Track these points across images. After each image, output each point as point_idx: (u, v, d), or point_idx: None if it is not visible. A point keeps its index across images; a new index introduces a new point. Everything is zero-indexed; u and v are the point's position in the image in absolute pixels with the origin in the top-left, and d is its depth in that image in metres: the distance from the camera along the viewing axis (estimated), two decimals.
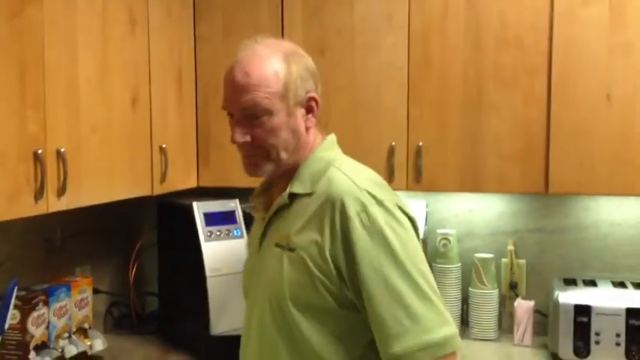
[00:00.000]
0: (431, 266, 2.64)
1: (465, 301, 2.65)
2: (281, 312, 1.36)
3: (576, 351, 2.30)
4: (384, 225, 1.30)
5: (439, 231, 2.65)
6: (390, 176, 2.44)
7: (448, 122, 2.41)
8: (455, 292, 2.62)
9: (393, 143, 2.44)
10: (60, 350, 2.20)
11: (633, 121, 2.23)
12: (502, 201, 2.69)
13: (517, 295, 2.61)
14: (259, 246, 1.47)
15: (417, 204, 2.69)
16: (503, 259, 2.65)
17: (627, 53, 2.22)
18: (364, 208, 1.31)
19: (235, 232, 2.46)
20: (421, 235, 2.59)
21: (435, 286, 1.33)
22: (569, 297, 2.34)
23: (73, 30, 1.94)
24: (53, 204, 1.84)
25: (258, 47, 1.38)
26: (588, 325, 2.29)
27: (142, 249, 2.85)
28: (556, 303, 2.35)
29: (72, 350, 2.24)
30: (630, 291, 2.37)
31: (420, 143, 2.42)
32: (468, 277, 2.64)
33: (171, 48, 2.48)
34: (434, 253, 2.65)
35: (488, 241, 2.70)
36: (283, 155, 1.39)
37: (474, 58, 2.37)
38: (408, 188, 2.46)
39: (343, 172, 1.38)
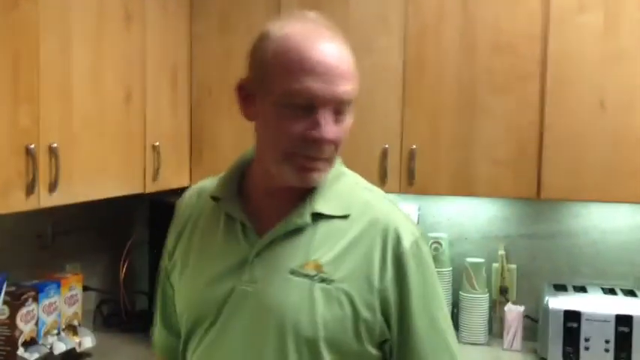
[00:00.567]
0: None
1: (456, 305, 2.65)
2: (311, 357, 1.11)
3: (565, 356, 2.31)
4: (431, 262, 1.22)
5: (431, 235, 2.65)
6: (382, 179, 2.45)
7: (441, 126, 2.41)
8: (445, 296, 2.62)
9: (387, 146, 2.45)
10: (49, 347, 2.19)
11: (626, 128, 2.24)
12: (494, 206, 2.69)
13: (507, 300, 2.61)
14: (244, 266, 1.15)
15: (409, 207, 2.69)
16: (494, 264, 2.66)
17: (621, 61, 2.23)
18: (416, 241, 1.18)
19: None
20: None
21: None
22: (560, 302, 2.35)
23: (68, 25, 1.93)
24: (45, 199, 1.83)
25: (327, 26, 1.16)
26: (578, 330, 2.30)
27: (133, 247, 2.84)
28: (546, 308, 2.35)
29: (61, 347, 2.23)
30: (620, 298, 2.38)
31: (414, 146, 2.42)
32: (459, 281, 2.64)
33: (166, 45, 2.47)
34: None
35: (479, 246, 2.71)
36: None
37: (468, 62, 2.37)
38: (400, 191, 2.46)
39: (383, 197, 1.23)
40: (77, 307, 2.41)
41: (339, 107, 1.11)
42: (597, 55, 2.26)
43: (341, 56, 1.11)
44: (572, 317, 2.31)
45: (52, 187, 1.85)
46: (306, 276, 1.12)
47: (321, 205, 1.16)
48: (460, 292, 2.63)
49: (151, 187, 2.38)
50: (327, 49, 1.10)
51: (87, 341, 2.33)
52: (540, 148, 2.32)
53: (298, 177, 1.12)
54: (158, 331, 1.39)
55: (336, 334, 1.11)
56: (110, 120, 2.14)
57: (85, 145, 2.01)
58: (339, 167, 1.21)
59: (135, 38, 2.27)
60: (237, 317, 1.15)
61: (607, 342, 2.28)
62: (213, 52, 2.61)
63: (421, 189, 2.45)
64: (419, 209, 2.68)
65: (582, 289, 2.47)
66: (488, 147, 2.37)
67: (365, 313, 1.11)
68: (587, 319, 2.30)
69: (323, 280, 1.12)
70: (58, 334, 2.27)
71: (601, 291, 2.45)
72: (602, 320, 2.29)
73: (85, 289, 2.52)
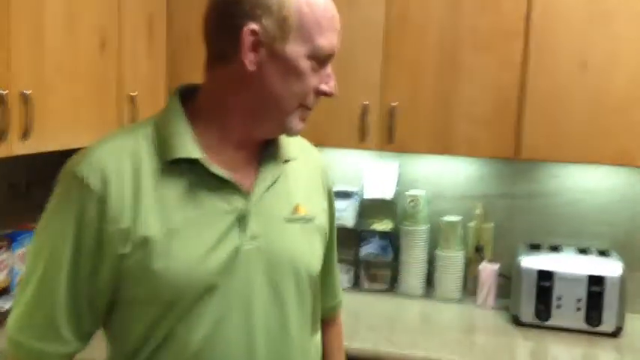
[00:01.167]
0: (399, 227, 2.67)
1: (431, 262, 2.67)
2: (309, 292, 1.25)
3: (537, 314, 2.34)
4: None
5: (408, 192, 2.66)
6: (362, 136, 2.43)
7: (422, 84, 2.39)
8: (421, 254, 2.64)
9: (367, 102, 2.43)
10: None
11: (607, 90, 2.23)
12: (473, 165, 2.69)
13: (483, 259, 2.63)
14: (242, 224, 1.15)
15: (389, 165, 2.69)
16: (471, 223, 2.67)
17: (605, 22, 2.22)
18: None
19: None
20: (392, 196, 2.62)
21: None
22: (533, 262, 2.37)
23: None
24: (17, 147, 1.79)
25: None
26: (550, 289, 2.33)
27: None
28: (519, 267, 2.38)
29: None
30: (593, 258, 2.41)
31: (394, 104, 2.40)
32: (435, 238, 2.66)
33: None
34: (403, 214, 2.66)
35: (457, 204, 2.72)
36: None
37: (451, 19, 2.34)
38: (380, 148, 2.45)
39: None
40: None
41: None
42: (581, 15, 2.23)
43: (336, 11, 1.17)
44: (545, 276, 2.34)
45: (24, 134, 1.81)
46: (298, 220, 1.22)
47: (285, 151, 1.24)
48: (436, 250, 2.64)
49: None
50: (330, 4, 1.16)
51: None
52: (521, 109, 2.31)
53: (295, 127, 1.17)
54: (52, 338, 1.11)
55: (319, 267, 1.29)
56: (84, 68, 2.09)
57: (58, 93, 1.97)
58: None
59: None
60: (253, 277, 1.15)
61: (579, 301, 2.31)
62: (192, 1, 2.54)
63: (401, 147, 2.44)
64: (399, 167, 2.68)
65: (557, 249, 2.50)
66: (469, 106, 2.36)
67: (326, 240, 1.32)
68: (560, 279, 2.33)
69: (308, 221, 1.24)
70: None
71: (575, 251, 2.48)
72: (575, 280, 2.32)
73: None
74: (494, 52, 2.32)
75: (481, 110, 2.35)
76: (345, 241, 2.37)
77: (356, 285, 2.74)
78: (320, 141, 2.53)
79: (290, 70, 1.11)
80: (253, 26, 1.09)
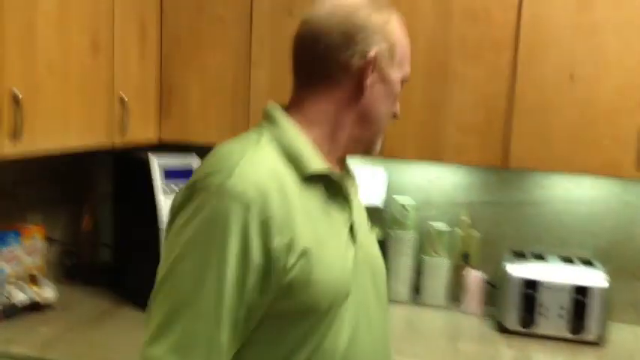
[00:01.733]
0: (388, 233, 2.69)
1: (417, 268, 2.69)
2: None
3: (521, 321, 2.37)
4: None
5: (397, 199, 2.67)
6: None
7: (411, 91, 2.40)
8: (408, 260, 2.66)
9: None
10: (8, 296, 2.18)
11: (595, 101, 2.26)
12: (461, 172, 2.72)
13: (468, 266, 2.65)
14: (351, 232, 1.23)
15: (376, 171, 2.71)
16: (457, 230, 2.69)
17: (593, 34, 2.24)
18: None
19: None
20: (380, 203, 2.63)
21: None
22: (519, 270, 2.40)
23: None
24: (7, 148, 1.79)
25: None
26: (535, 297, 2.36)
27: (96, 200, 2.81)
28: (505, 275, 2.40)
29: (21, 297, 2.21)
30: (577, 267, 2.43)
31: None
32: (422, 245, 2.67)
33: None
34: (391, 220, 2.68)
35: (444, 211, 2.74)
36: None
37: (441, 28, 2.36)
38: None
39: None
40: (38, 258, 2.39)
41: None
42: (570, 27, 2.26)
43: None
44: (529, 285, 2.36)
45: (14, 136, 1.81)
46: (371, 229, 1.35)
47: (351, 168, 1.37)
48: (422, 256, 2.66)
49: (118, 141, 2.35)
50: None
51: (48, 292, 2.32)
52: (509, 118, 2.33)
53: (378, 148, 1.30)
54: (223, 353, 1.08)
55: None
56: (76, 69, 2.09)
57: (49, 95, 1.97)
58: None
59: None
60: (366, 281, 1.25)
61: (562, 309, 2.34)
62: (183, 3, 2.55)
63: (389, 153, 2.45)
64: (386, 173, 2.69)
65: (541, 258, 2.53)
66: (458, 114, 2.37)
67: None
68: (544, 287, 2.35)
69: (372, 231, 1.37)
70: (19, 284, 2.25)
71: (559, 260, 2.51)
72: (559, 289, 2.34)
73: (47, 240, 2.49)
74: (483, 62, 2.34)
75: (470, 119, 2.37)
76: None
77: None
78: None
79: (390, 93, 1.26)
80: (375, 50, 1.20)
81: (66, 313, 2.33)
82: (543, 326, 2.36)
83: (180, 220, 1.09)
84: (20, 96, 1.81)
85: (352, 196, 1.26)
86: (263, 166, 1.11)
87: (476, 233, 2.68)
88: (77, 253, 2.78)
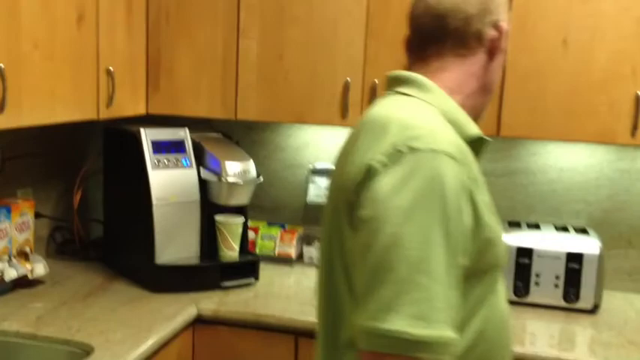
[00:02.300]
0: None
1: None
2: None
3: (516, 290, 2.36)
4: None
5: None
6: (343, 113, 2.41)
7: (405, 60, 2.37)
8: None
9: (349, 79, 2.41)
10: None
11: (587, 68, 2.23)
12: None
13: None
14: None
15: None
16: None
17: None
18: None
19: (184, 161, 2.41)
20: None
21: None
22: (513, 239, 2.39)
23: None
24: None
25: None
26: (529, 266, 2.35)
27: (87, 175, 2.78)
28: None
29: (12, 273, 2.19)
30: (572, 235, 2.42)
31: (376, 80, 2.39)
32: None
33: None
34: None
35: None
36: None
37: None
38: None
39: None
40: (29, 234, 2.37)
41: None
42: None
43: None
44: (524, 253, 2.36)
45: None
46: None
47: None
48: None
49: (105, 114, 2.31)
50: None
51: (39, 268, 2.30)
52: (501, 86, 2.31)
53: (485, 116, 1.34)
54: (450, 328, 1.04)
55: None
56: (61, 41, 2.05)
57: (34, 67, 1.93)
58: None
59: None
60: None
61: (557, 278, 2.34)
62: None
63: None
64: None
65: (536, 227, 2.52)
66: None
67: None
68: (538, 256, 2.35)
69: None
70: (9, 260, 2.23)
71: (554, 228, 2.50)
72: (553, 257, 2.34)
73: (38, 216, 2.47)
74: None
75: None
76: None
77: None
78: (301, 118, 2.52)
79: (501, 62, 1.31)
80: (506, 20, 1.27)
81: (58, 289, 2.32)
82: (537, 295, 2.36)
83: (385, 187, 1.06)
84: (3, 66, 1.77)
85: None
86: (450, 129, 1.17)
87: None
88: (68, 228, 2.76)
